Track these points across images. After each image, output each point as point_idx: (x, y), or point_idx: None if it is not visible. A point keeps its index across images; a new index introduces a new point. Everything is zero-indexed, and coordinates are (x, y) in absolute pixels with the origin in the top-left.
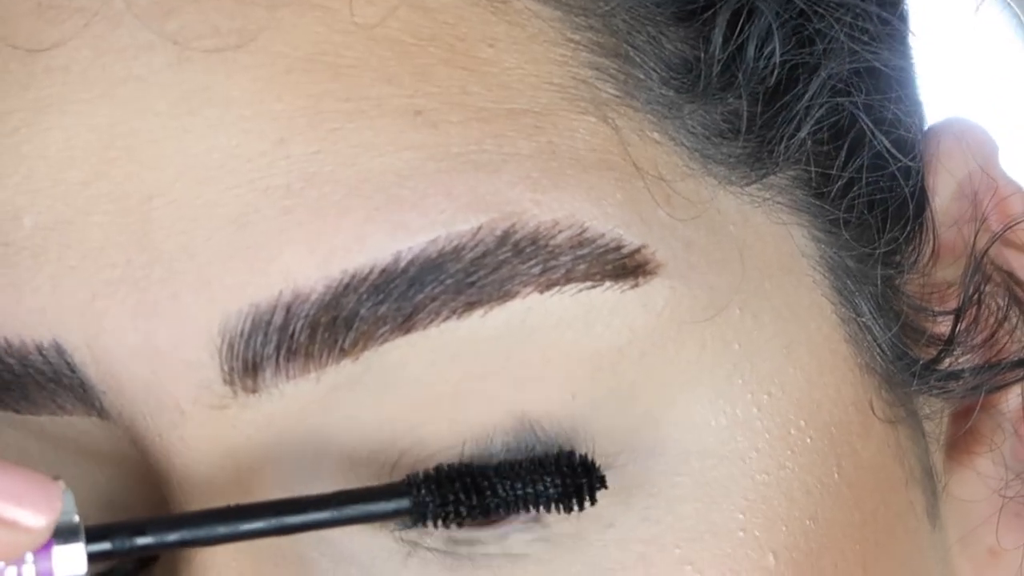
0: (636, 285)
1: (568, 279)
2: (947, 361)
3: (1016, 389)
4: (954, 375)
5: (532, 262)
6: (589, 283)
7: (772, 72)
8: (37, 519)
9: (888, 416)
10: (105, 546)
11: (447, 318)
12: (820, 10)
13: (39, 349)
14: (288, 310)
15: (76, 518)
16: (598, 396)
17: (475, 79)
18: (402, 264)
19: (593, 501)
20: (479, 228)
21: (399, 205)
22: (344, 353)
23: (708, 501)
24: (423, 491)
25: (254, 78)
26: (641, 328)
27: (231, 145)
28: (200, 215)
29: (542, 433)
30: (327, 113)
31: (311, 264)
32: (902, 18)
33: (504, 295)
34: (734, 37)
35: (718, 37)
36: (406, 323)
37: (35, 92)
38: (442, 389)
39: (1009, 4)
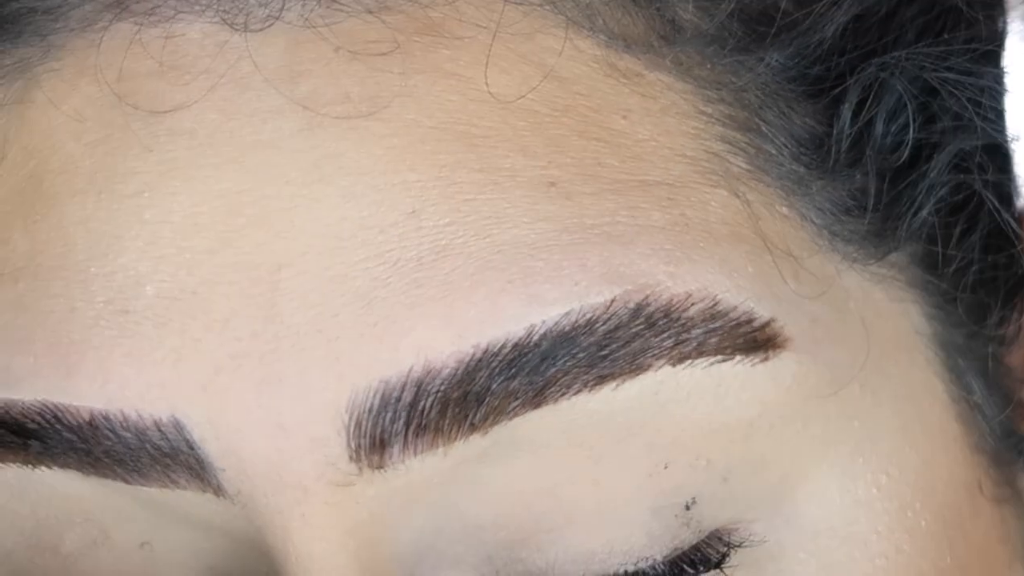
0: (766, 359)
1: (700, 352)
2: None
3: None
4: None
5: (665, 335)
6: (720, 356)
7: (900, 149)
8: None
9: (995, 496)
10: None
11: (578, 391)
12: (950, 88)
13: (157, 425)
14: (419, 386)
15: None
16: (732, 465)
17: (609, 150)
18: (535, 338)
19: None
20: (612, 300)
21: (533, 277)
22: (473, 428)
23: None
24: None
25: (387, 147)
26: (771, 402)
27: (362, 216)
28: (330, 288)
29: (681, 496)
30: (460, 184)
31: (443, 339)
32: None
33: (636, 368)
34: (863, 113)
35: (847, 113)
36: (537, 397)
37: (159, 155)
38: (577, 453)
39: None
